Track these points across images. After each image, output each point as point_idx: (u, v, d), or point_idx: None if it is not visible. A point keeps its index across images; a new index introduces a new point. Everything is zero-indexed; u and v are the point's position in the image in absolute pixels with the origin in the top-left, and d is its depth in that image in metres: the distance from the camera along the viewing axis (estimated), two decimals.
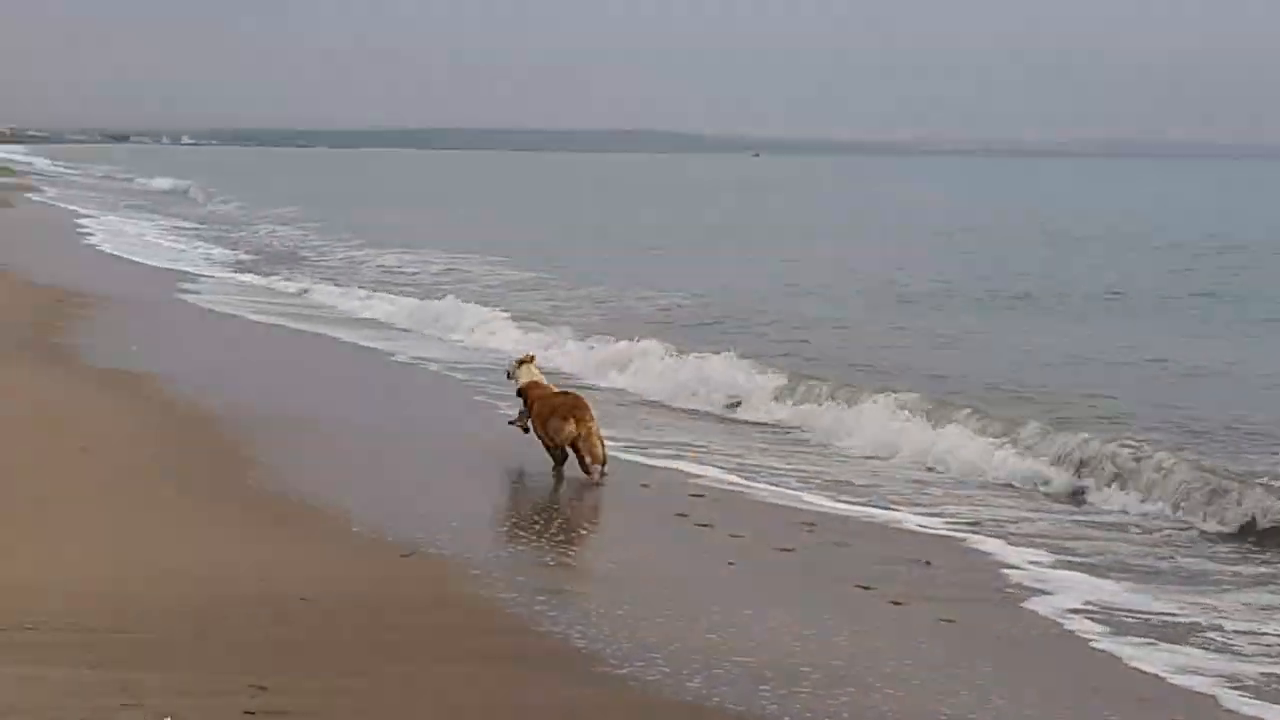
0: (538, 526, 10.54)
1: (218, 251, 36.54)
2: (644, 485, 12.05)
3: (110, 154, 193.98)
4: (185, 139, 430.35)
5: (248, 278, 29.31)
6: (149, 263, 30.58)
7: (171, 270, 29.46)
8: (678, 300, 26.43)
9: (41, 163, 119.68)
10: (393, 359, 18.94)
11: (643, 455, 13.17)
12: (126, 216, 49.91)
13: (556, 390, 12.50)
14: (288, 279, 29.52)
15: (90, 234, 38.79)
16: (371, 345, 20.12)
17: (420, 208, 63.61)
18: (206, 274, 29.46)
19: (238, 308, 23.23)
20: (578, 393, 12.75)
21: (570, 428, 11.81)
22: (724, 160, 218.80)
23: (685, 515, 10.91)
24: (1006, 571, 9.88)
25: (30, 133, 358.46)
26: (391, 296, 25.88)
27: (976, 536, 10.89)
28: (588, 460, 11.86)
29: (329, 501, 10.59)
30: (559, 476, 12.03)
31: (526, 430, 12.31)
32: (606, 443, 12.04)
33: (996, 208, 70.01)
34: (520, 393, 12.41)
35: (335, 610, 7.96)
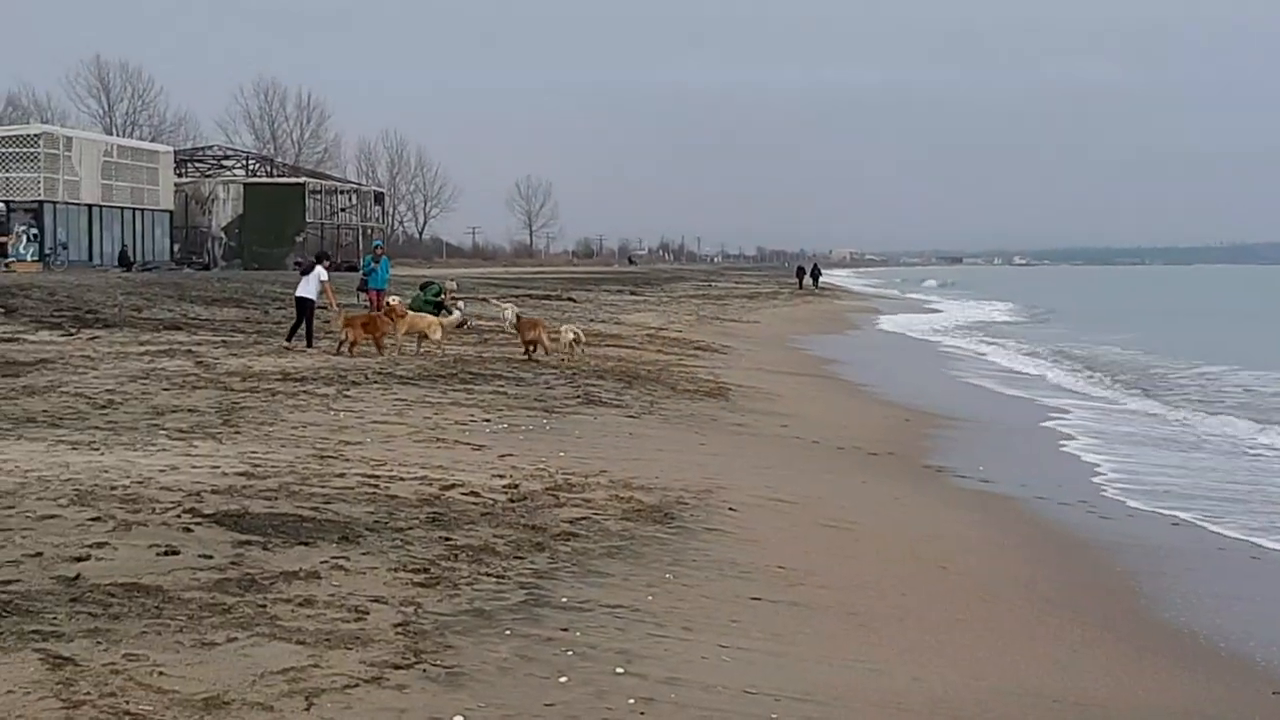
0: None
1: (1067, 376, 36.26)
2: None
3: (941, 275, 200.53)
4: (1016, 259, 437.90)
5: (1098, 404, 28.51)
6: (1003, 390, 30.35)
7: (1024, 398, 28.88)
8: None
9: (860, 284, 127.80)
10: None
11: None
12: (967, 338, 51.47)
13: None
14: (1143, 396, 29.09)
15: (958, 359, 40.13)
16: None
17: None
18: (1064, 403, 27.85)
19: (1097, 434, 22.42)
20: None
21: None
22: None
23: None
24: None
25: (869, 256, 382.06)
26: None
27: None
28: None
29: (1194, 627, 10.36)
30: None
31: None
32: None
33: None
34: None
35: None
